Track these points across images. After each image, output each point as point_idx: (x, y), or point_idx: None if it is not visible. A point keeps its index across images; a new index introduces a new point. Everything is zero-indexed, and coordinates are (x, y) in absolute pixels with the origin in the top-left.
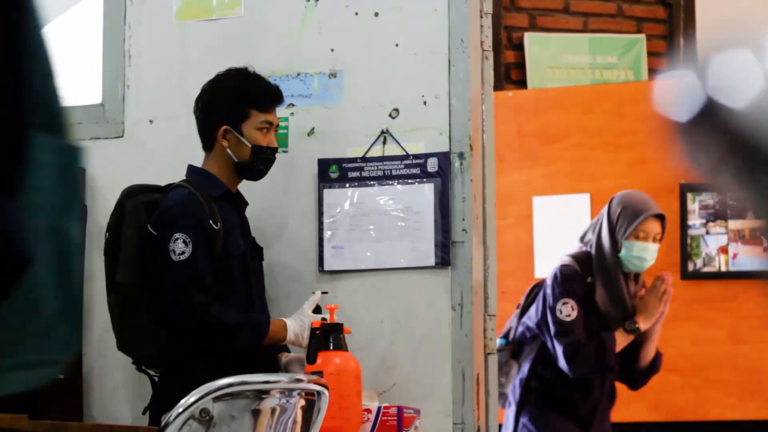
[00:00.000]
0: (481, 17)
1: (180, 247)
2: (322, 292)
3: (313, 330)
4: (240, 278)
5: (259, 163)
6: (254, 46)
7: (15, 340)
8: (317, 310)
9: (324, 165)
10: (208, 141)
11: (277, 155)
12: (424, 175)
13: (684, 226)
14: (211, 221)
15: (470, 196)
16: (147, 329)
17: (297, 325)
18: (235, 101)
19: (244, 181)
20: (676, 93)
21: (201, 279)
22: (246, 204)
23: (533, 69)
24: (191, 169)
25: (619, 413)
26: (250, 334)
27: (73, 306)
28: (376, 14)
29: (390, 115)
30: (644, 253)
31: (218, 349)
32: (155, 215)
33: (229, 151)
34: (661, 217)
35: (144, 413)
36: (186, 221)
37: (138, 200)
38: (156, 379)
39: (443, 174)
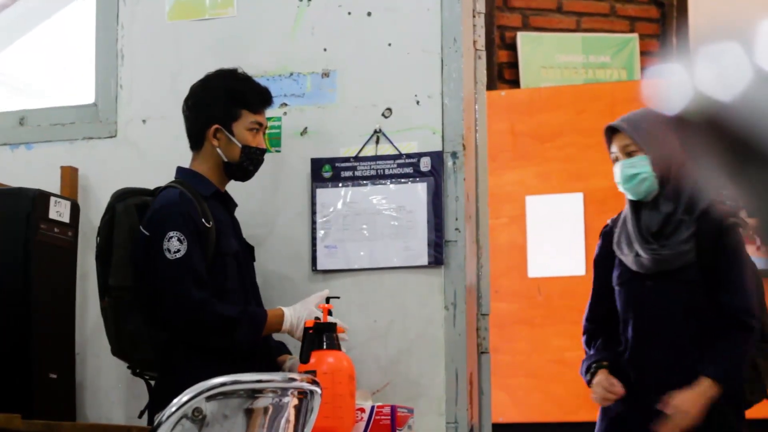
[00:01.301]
0: (474, 17)
1: (175, 245)
2: (334, 297)
3: (306, 329)
4: (234, 277)
5: (248, 163)
6: (247, 46)
7: None
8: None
9: (317, 164)
10: (197, 140)
11: (270, 155)
12: (417, 175)
13: None
14: (203, 220)
15: (463, 196)
16: (142, 332)
17: (294, 316)
18: (227, 101)
19: (237, 180)
20: (666, 87)
21: (198, 276)
22: (235, 205)
23: (526, 68)
24: (180, 170)
25: None
26: (248, 326)
27: None
28: (369, 14)
29: (383, 115)
30: (618, 175)
31: (218, 344)
32: (147, 215)
33: (219, 150)
34: (617, 129)
35: (140, 416)
36: (179, 219)
37: (128, 203)
38: (152, 382)
39: (436, 173)
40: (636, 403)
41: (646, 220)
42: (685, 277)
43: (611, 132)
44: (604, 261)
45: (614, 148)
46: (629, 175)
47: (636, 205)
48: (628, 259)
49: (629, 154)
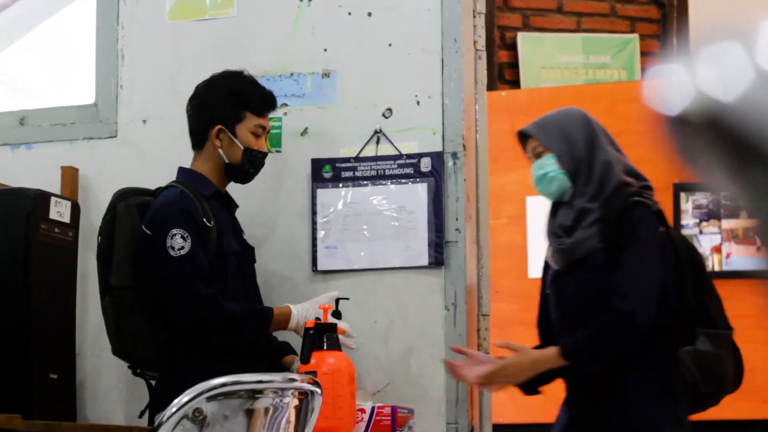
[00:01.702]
0: (474, 17)
1: (179, 242)
2: (343, 298)
3: (306, 330)
4: (236, 276)
5: (249, 165)
6: (247, 46)
7: None
8: (337, 315)
9: (317, 165)
10: (199, 140)
11: (270, 155)
12: (418, 175)
13: (677, 225)
14: (204, 219)
15: (464, 196)
16: (144, 331)
17: (302, 315)
18: (232, 102)
19: (236, 182)
20: (666, 87)
21: (203, 272)
22: (236, 206)
23: (526, 69)
24: (181, 170)
25: None
26: (256, 322)
27: None
28: (369, 14)
29: (383, 115)
30: (532, 176)
31: (224, 341)
32: (149, 214)
33: (221, 151)
34: (524, 135)
35: (141, 416)
36: (181, 217)
37: (130, 202)
38: (152, 382)
39: (436, 174)
40: (574, 408)
41: (560, 217)
42: (593, 264)
43: (524, 138)
44: (543, 275)
45: (528, 153)
46: (538, 176)
47: (555, 207)
48: (549, 260)
49: (538, 156)
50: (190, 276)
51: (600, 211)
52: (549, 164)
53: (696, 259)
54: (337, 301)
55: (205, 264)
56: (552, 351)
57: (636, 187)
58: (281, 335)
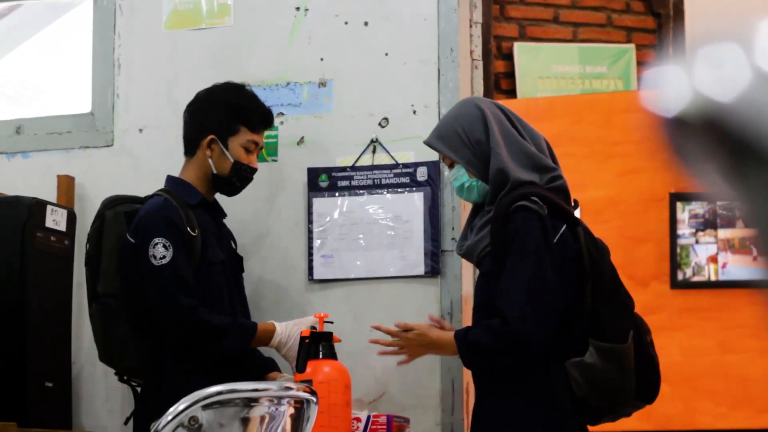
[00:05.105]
0: (471, 27)
1: (160, 251)
2: (328, 322)
3: (302, 338)
4: (221, 286)
5: (236, 179)
6: (244, 56)
7: None
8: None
9: (313, 174)
10: (191, 147)
11: (266, 164)
12: (414, 184)
13: (674, 235)
14: (188, 228)
15: (460, 205)
16: (129, 339)
17: (285, 333)
18: (228, 114)
19: (222, 194)
20: (664, 89)
21: (185, 282)
22: (224, 215)
23: (523, 79)
24: (169, 178)
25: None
26: (238, 335)
27: None
28: (366, 23)
29: (379, 124)
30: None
31: (207, 351)
32: (133, 223)
33: (210, 161)
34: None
35: (126, 423)
36: (164, 226)
37: (118, 210)
38: (138, 389)
39: (433, 183)
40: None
41: (477, 218)
42: (484, 269)
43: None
44: None
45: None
46: (457, 187)
47: (476, 208)
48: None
49: (450, 166)
50: (171, 285)
51: (493, 212)
52: (460, 175)
53: (600, 266)
54: (324, 323)
55: (187, 273)
56: (449, 336)
57: (539, 184)
58: (266, 351)
